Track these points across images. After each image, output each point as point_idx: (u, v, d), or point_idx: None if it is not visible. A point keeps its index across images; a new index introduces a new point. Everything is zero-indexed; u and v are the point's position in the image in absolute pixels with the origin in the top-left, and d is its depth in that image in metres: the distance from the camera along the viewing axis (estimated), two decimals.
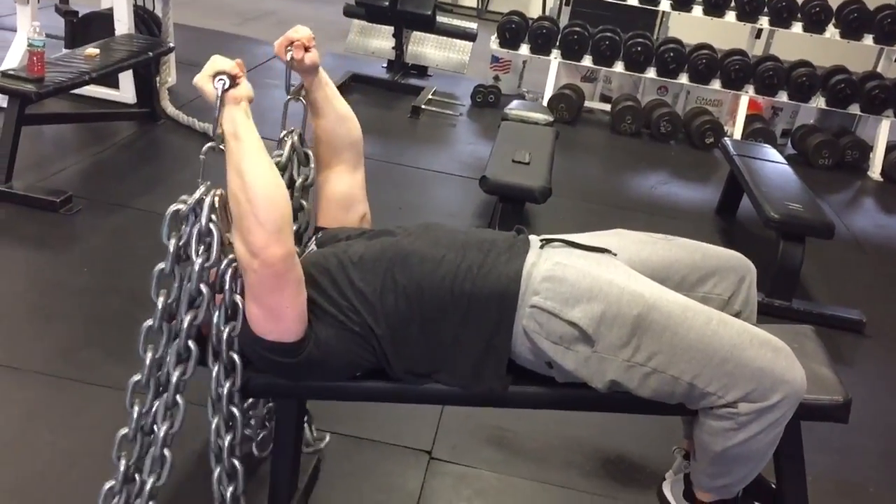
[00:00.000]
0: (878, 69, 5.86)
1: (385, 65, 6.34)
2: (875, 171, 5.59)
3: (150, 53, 4.03)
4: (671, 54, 5.62)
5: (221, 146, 1.50)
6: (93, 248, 3.12)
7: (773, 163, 4.01)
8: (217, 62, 1.50)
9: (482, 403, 1.66)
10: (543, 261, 1.60)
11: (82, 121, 4.15)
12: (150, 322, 1.56)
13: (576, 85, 6.03)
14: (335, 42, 6.56)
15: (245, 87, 1.52)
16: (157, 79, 4.45)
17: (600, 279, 1.54)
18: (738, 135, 5.66)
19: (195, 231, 1.50)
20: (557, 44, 5.79)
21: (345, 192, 1.92)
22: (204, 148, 1.54)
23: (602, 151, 5.56)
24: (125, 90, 4.49)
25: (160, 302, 1.54)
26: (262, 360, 1.57)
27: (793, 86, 5.60)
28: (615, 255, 1.66)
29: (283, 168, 1.85)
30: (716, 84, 5.69)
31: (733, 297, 1.75)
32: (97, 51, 3.78)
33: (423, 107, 5.41)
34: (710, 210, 4.53)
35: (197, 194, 1.51)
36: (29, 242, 3.11)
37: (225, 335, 1.56)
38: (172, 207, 1.51)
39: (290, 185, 1.86)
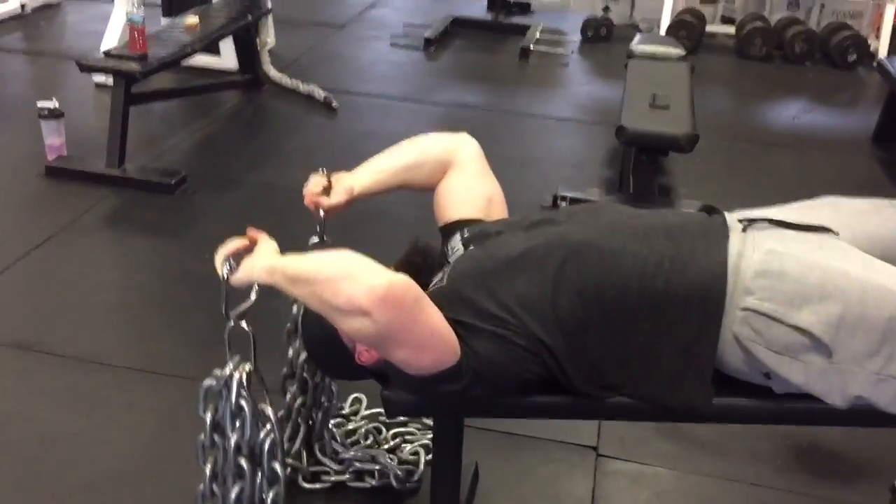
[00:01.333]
0: None
1: (486, 3, 6.00)
2: None
3: (250, 17, 3.85)
4: None
5: (244, 324, 1.46)
6: (213, 231, 2.97)
7: None
8: (219, 253, 1.43)
9: (680, 419, 1.42)
10: (751, 249, 1.32)
11: (187, 94, 4.02)
12: (200, 487, 1.54)
13: (695, 9, 5.54)
14: None
15: (263, 248, 1.41)
16: (257, 41, 4.27)
17: (831, 270, 1.25)
18: (884, 49, 5.08)
19: (228, 408, 1.46)
20: None
21: (455, 185, 1.68)
22: (227, 328, 1.46)
23: (731, 80, 5.09)
24: (226, 56, 4.34)
25: (207, 469, 1.52)
26: (431, 396, 1.36)
27: None
28: (837, 233, 1.37)
29: None
30: None
31: None
32: (197, 19, 3.61)
33: (531, 47, 5.06)
34: (866, 138, 4.07)
35: (227, 370, 1.46)
36: (148, 229, 3.01)
37: (269, 500, 1.52)
38: (205, 383, 1.48)
39: None
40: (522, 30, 5.40)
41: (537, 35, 5.26)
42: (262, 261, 1.37)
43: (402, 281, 1.22)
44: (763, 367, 1.29)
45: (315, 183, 1.63)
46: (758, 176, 3.64)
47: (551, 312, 1.33)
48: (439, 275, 1.49)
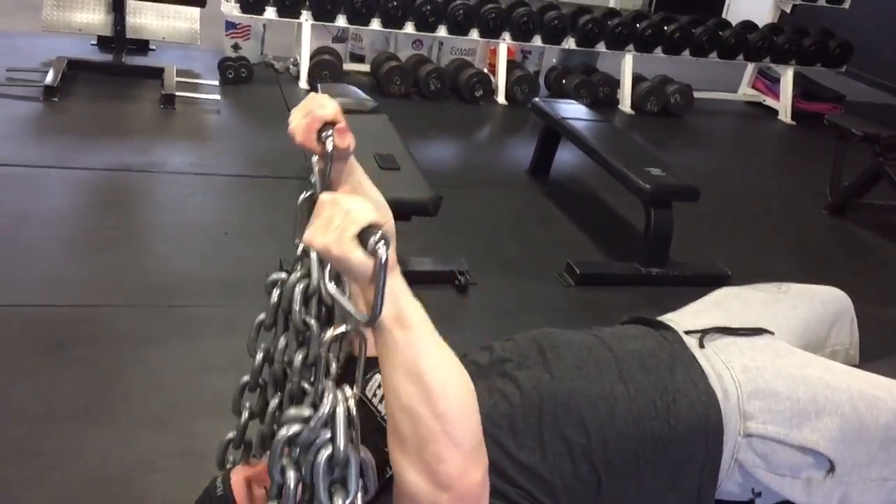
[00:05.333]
0: (613, 5, 6.11)
1: (94, 42, 5.31)
2: (625, 104, 5.86)
3: None
4: (429, 7, 5.33)
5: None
6: None
7: (594, 122, 3.98)
8: (355, 205, 0.96)
9: None
10: (722, 367, 1.29)
11: None
12: None
13: (330, 47, 5.52)
14: (24, 17, 5.35)
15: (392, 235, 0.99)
16: None
17: (811, 382, 1.27)
18: (502, 84, 5.60)
19: (322, 464, 0.97)
20: (307, 4, 5.21)
21: None
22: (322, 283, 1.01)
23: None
24: None
25: None
26: None
27: (546, 29, 5.62)
28: (773, 332, 1.40)
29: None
30: (474, 34, 5.53)
31: (851, 343, 1.58)
32: None
33: (175, 94, 4.58)
34: (522, 171, 4.38)
35: (325, 401, 0.96)
36: None
37: None
38: (283, 433, 0.98)
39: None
40: (154, 73, 4.87)
41: (175, 79, 4.78)
42: (401, 290, 0.98)
43: (487, 481, 1.01)
44: (759, 486, 1.27)
45: (333, 108, 1.21)
46: (457, 220, 3.71)
47: (558, 479, 1.17)
48: None
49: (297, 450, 0.97)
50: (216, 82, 5.01)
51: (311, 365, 1.17)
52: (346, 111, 3.67)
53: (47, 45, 5.05)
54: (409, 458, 0.98)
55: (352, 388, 0.98)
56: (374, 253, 0.91)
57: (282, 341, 1.24)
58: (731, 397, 1.25)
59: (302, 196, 1.23)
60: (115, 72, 4.90)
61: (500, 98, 5.58)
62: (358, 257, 0.92)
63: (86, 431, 2.10)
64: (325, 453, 0.95)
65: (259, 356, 1.27)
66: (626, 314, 1.54)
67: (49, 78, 4.38)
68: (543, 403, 1.21)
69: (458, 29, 5.46)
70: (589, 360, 1.29)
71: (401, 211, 2.76)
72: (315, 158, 1.21)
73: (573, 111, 4.07)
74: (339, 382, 1.31)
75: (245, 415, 1.32)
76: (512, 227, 3.76)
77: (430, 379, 0.96)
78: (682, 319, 1.44)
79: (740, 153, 5.59)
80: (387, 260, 0.91)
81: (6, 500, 1.87)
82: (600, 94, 5.83)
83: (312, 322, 1.16)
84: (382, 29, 5.41)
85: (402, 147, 3.13)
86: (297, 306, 1.17)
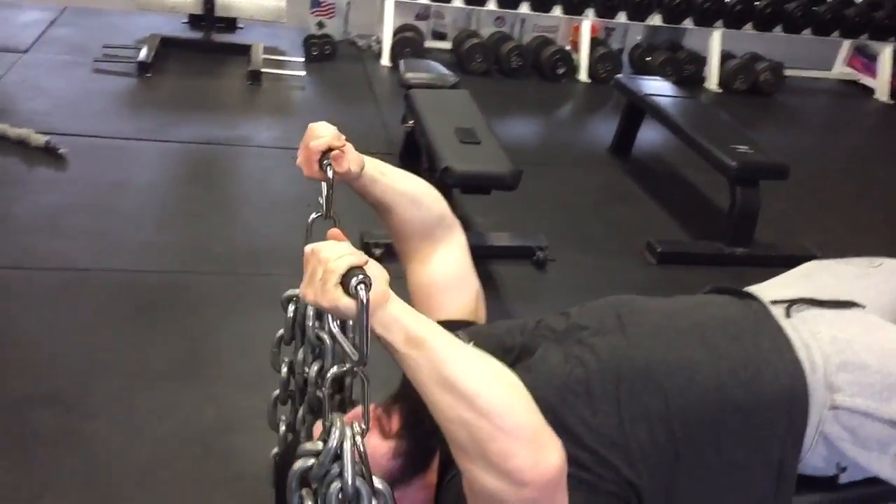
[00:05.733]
0: None
1: (185, 20, 5.46)
2: (712, 82, 5.71)
3: None
4: None
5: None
6: None
7: (679, 98, 3.89)
8: (332, 254, 0.97)
9: None
10: (810, 337, 1.25)
11: None
12: None
13: (412, 25, 5.55)
14: None
15: (378, 270, 1.00)
16: None
17: None
18: (584, 62, 5.52)
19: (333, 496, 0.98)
20: None
21: (450, 273, 1.47)
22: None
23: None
24: None
25: None
26: None
27: (630, 6, 5.51)
28: (863, 306, 1.35)
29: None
30: (557, 10, 5.47)
31: None
32: None
33: (262, 70, 4.68)
34: (602, 149, 4.33)
35: (333, 436, 0.97)
36: None
37: None
38: (297, 466, 1.01)
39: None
40: (241, 50, 4.99)
41: (262, 56, 4.88)
42: (401, 314, 0.99)
43: (565, 460, 0.99)
44: (845, 461, 1.24)
45: (330, 133, 1.29)
46: (537, 197, 3.70)
47: (636, 447, 1.16)
48: None
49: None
50: (301, 59, 5.09)
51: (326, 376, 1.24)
52: (428, 86, 3.67)
53: (141, 23, 5.23)
54: (477, 465, 0.98)
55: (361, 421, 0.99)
56: (355, 296, 0.94)
57: (300, 354, 1.31)
58: (817, 369, 1.22)
59: (311, 217, 1.30)
60: (204, 49, 5.05)
61: (583, 76, 5.51)
62: (345, 304, 0.95)
63: (175, 390, 2.19)
64: (335, 487, 0.97)
65: (284, 369, 1.35)
66: None
67: (143, 54, 4.53)
68: (621, 369, 1.20)
69: (541, 5, 5.41)
70: (669, 327, 1.28)
71: (480, 184, 2.80)
72: (323, 183, 1.29)
73: (657, 87, 3.99)
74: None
75: (283, 428, 1.38)
76: (592, 204, 3.72)
77: (462, 383, 0.96)
78: (769, 290, 1.40)
79: (833, 133, 5.39)
80: (367, 302, 0.93)
81: (100, 450, 1.97)
82: (686, 72, 5.69)
83: (325, 337, 1.24)
84: (465, 6, 5.40)
85: (482, 122, 3.13)
86: (310, 322, 1.26)
